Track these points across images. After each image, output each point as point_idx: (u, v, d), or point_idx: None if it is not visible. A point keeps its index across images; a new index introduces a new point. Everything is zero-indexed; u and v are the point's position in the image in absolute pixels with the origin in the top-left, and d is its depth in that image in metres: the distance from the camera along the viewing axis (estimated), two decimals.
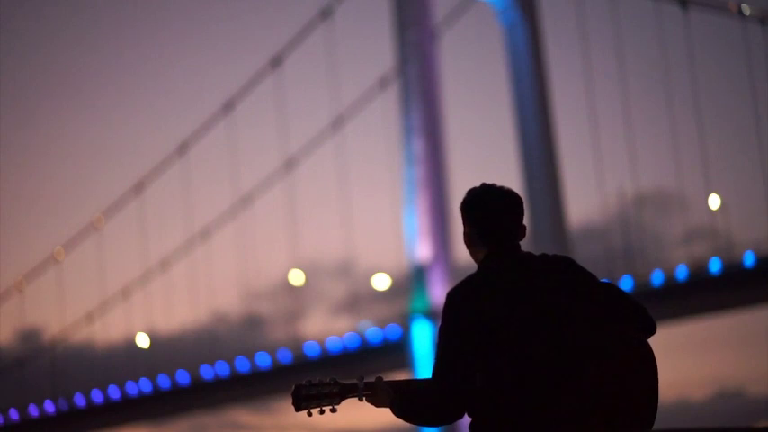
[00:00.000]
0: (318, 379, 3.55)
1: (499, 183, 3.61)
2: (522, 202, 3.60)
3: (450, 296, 3.47)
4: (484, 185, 3.60)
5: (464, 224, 3.61)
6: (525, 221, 3.61)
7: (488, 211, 3.56)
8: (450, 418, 3.43)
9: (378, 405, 3.57)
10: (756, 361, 28.84)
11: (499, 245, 3.54)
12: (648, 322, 3.52)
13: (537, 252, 3.56)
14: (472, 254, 3.61)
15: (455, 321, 3.42)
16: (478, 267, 3.55)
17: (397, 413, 3.51)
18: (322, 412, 3.52)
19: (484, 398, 3.41)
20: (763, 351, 26.46)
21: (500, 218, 3.54)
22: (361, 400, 3.56)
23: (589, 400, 3.37)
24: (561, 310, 3.44)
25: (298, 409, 3.52)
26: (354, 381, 3.56)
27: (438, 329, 3.47)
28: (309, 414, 3.52)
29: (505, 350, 3.39)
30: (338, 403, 3.53)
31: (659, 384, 3.49)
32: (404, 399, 3.50)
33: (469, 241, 3.60)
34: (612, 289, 3.53)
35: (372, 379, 3.57)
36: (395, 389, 3.55)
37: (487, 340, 3.39)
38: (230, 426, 34.89)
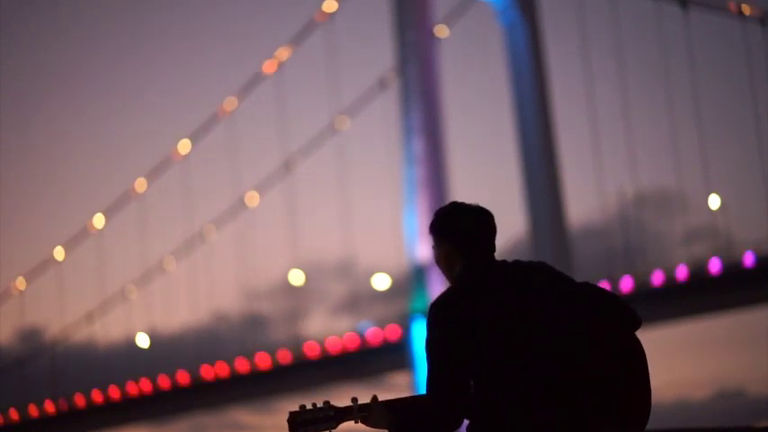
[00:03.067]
0: (312, 403, 3.54)
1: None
2: (493, 217, 3.58)
3: (437, 307, 3.44)
4: (453, 203, 3.59)
5: (438, 245, 3.56)
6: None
7: (466, 226, 3.53)
8: (450, 427, 3.43)
9: (374, 426, 3.55)
10: (756, 361, 28.83)
11: (479, 255, 3.52)
12: (633, 317, 3.55)
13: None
14: (449, 272, 3.56)
15: (445, 331, 3.39)
16: (459, 277, 3.52)
17: None
18: None
19: (482, 401, 3.41)
20: (763, 351, 26.46)
21: (478, 230, 3.53)
22: (356, 422, 3.56)
23: (586, 399, 3.39)
24: (551, 311, 3.45)
25: None
26: (349, 404, 3.54)
27: (426, 342, 3.43)
28: None
29: (501, 354, 3.38)
30: (335, 427, 3.53)
31: (656, 383, 3.52)
32: (402, 417, 3.48)
33: (446, 260, 3.56)
34: (593, 287, 3.55)
35: (367, 400, 3.55)
36: (390, 409, 3.53)
37: (481, 346, 3.38)
38: (230, 426, 34.89)
